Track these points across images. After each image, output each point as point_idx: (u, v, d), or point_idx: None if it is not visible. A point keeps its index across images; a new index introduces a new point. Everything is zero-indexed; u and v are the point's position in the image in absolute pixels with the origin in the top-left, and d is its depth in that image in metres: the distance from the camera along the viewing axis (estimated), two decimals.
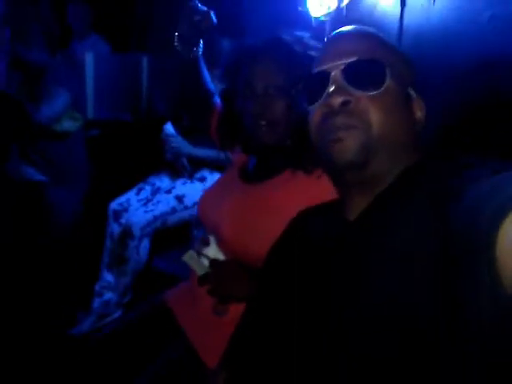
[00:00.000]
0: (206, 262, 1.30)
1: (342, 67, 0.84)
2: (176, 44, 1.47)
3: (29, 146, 2.71)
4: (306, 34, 1.39)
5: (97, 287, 2.45)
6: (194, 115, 1.68)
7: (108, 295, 2.42)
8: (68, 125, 2.79)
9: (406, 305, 0.69)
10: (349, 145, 0.81)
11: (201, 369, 1.27)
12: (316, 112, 0.87)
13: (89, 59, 3.29)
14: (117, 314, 2.45)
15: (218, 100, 1.59)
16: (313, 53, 1.35)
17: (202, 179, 2.60)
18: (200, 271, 1.29)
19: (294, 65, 1.28)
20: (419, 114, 0.89)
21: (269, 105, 1.27)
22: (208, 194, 1.55)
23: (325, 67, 0.87)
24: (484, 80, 1.50)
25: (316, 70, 0.90)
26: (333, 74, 0.85)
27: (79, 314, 2.44)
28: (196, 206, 2.41)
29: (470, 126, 1.50)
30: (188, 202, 2.53)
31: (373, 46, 0.89)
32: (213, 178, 2.56)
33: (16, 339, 2.19)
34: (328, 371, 0.77)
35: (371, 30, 0.94)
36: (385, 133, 0.81)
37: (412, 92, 0.90)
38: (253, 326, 1.00)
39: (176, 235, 2.62)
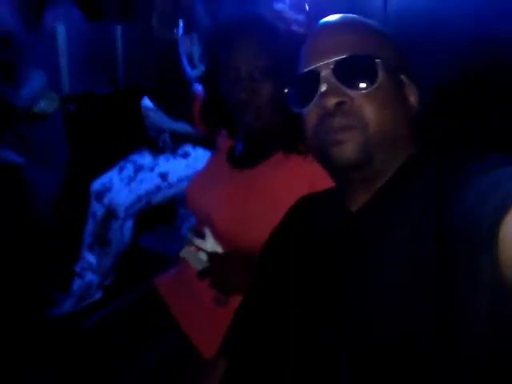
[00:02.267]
0: (203, 257, 1.28)
1: (332, 66, 0.81)
2: (154, 25, 1.37)
3: (6, 129, 2.63)
4: (284, 6, 1.33)
5: (77, 268, 2.42)
6: (173, 105, 1.59)
7: (89, 277, 2.41)
8: (45, 105, 2.71)
9: (402, 298, 0.70)
10: (349, 147, 0.79)
11: (196, 360, 1.26)
12: (310, 114, 0.84)
13: (61, 31, 3.16)
14: (97, 296, 2.44)
15: (197, 88, 1.52)
16: (295, 27, 1.32)
17: (185, 155, 2.56)
18: (199, 266, 1.28)
19: (278, 44, 1.24)
20: (412, 99, 0.86)
21: (255, 90, 1.22)
22: (195, 182, 1.50)
23: (313, 66, 0.83)
24: (482, 58, 1.39)
25: (304, 69, 0.85)
26: (323, 73, 0.81)
27: (58, 296, 2.41)
28: (181, 183, 2.41)
29: (464, 111, 1.42)
30: (172, 179, 2.49)
31: (362, 38, 0.84)
32: (196, 153, 2.53)
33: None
34: (329, 358, 0.78)
35: (358, 18, 0.89)
36: (383, 128, 0.80)
37: (404, 78, 0.86)
38: (251, 314, 1.01)
39: (161, 212, 2.60)
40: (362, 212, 0.83)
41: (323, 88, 0.81)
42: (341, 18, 0.88)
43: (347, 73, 0.80)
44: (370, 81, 0.80)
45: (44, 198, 2.72)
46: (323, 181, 0.99)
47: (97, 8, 3.47)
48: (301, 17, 1.33)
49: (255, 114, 1.24)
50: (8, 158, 2.63)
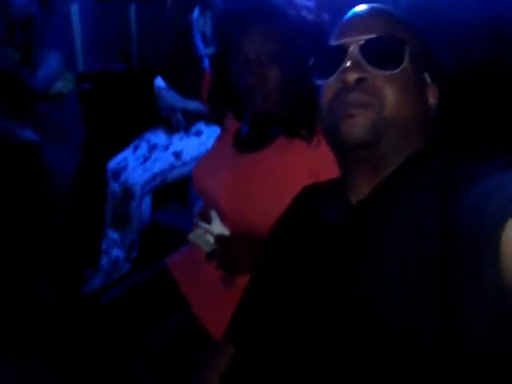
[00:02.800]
0: (211, 239, 1.31)
1: (361, 43, 0.82)
2: (169, 11, 1.41)
3: (23, 109, 2.67)
4: None
5: (103, 245, 2.49)
6: (185, 84, 1.63)
7: (115, 252, 2.47)
8: (61, 86, 2.74)
9: (406, 292, 0.70)
10: (360, 122, 0.79)
11: (205, 340, 1.28)
12: (329, 87, 0.84)
13: (74, 10, 3.18)
14: (125, 269, 2.51)
15: (206, 64, 1.54)
16: (304, 13, 1.34)
17: (199, 133, 2.59)
18: (207, 248, 1.32)
19: (287, 30, 1.24)
20: (432, 100, 0.88)
21: (263, 75, 1.23)
22: (201, 165, 1.52)
23: (342, 41, 0.84)
24: (496, 52, 1.34)
25: (332, 43, 0.87)
26: (350, 49, 0.82)
27: (88, 272, 2.49)
28: (194, 161, 2.44)
29: (477, 105, 1.38)
30: (185, 157, 2.53)
31: (393, 24, 0.86)
32: (209, 131, 2.56)
33: (27, 299, 2.22)
34: (333, 347, 0.78)
35: (391, 9, 0.90)
36: (397, 114, 0.80)
37: (427, 77, 0.88)
38: (257, 301, 1.01)
39: (176, 189, 2.65)
40: (366, 202, 0.83)
41: (348, 63, 0.81)
42: (375, 5, 0.90)
43: (374, 52, 0.81)
44: (395, 64, 0.81)
45: (60, 176, 2.75)
46: (325, 167, 1.02)
47: None
48: (311, 3, 1.35)
49: (263, 97, 1.25)
50: (25, 136, 2.66)
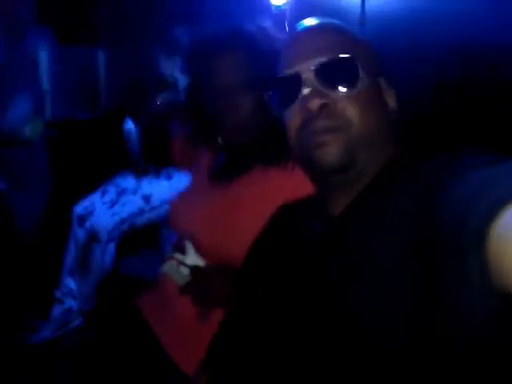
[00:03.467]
0: (185, 271, 1.26)
1: (314, 68, 0.81)
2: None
3: None
4: (268, 24, 1.35)
5: (58, 294, 2.36)
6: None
7: (69, 302, 2.35)
8: (29, 131, 2.69)
9: (390, 300, 0.69)
10: (333, 149, 0.80)
11: (178, 378, 1.23)
12: (294, 117, 0.84)
13: (43, 56, 3.13)
14: (77, 322, 2.37)
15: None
16: (277, 45, 1.28)
17: (169, 177, 2.54)
18: (180, 281, 1.25)
19: (258, 61, 1.23)
20: (391, 103, 0.88)
21: (232, 106, 1.23)
22: (177, 202, 1.49)
23: (295, 69, 0.84)
24: (459, 66, 1.38)
25: (286, 72, 0.86)
26: (304, 76, 0.82)
27: (38, 322, 2.34)
28: (164, 205, 2.38)
29: (441, 120, 1.40)
30: (155, 201, 2.46)
31: (341, 41, 0.86)
32: (180, 175, 2.47)
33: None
34: (316, 357, 0.77)
35: (336, 22, 0.90)
36: (365, 129, 0.80)
37: (382, 81, 0.88)
38: (234, 326, 1.00)
39: (143, 236, 2.56)
40: (344, 216, 0.83)
41: (305, 91, 0.81)
42: (320, 21, 0.89)
43: (329, 75, 0.81)
44: (352, 83, 0.81)
45: (26, 223, 2.67)
46: (302, 192, 1.01)
47: (73, 31, 3.43)
48: (282, 35, 1.34)
49: (233, 129, 1.25)
50: None
